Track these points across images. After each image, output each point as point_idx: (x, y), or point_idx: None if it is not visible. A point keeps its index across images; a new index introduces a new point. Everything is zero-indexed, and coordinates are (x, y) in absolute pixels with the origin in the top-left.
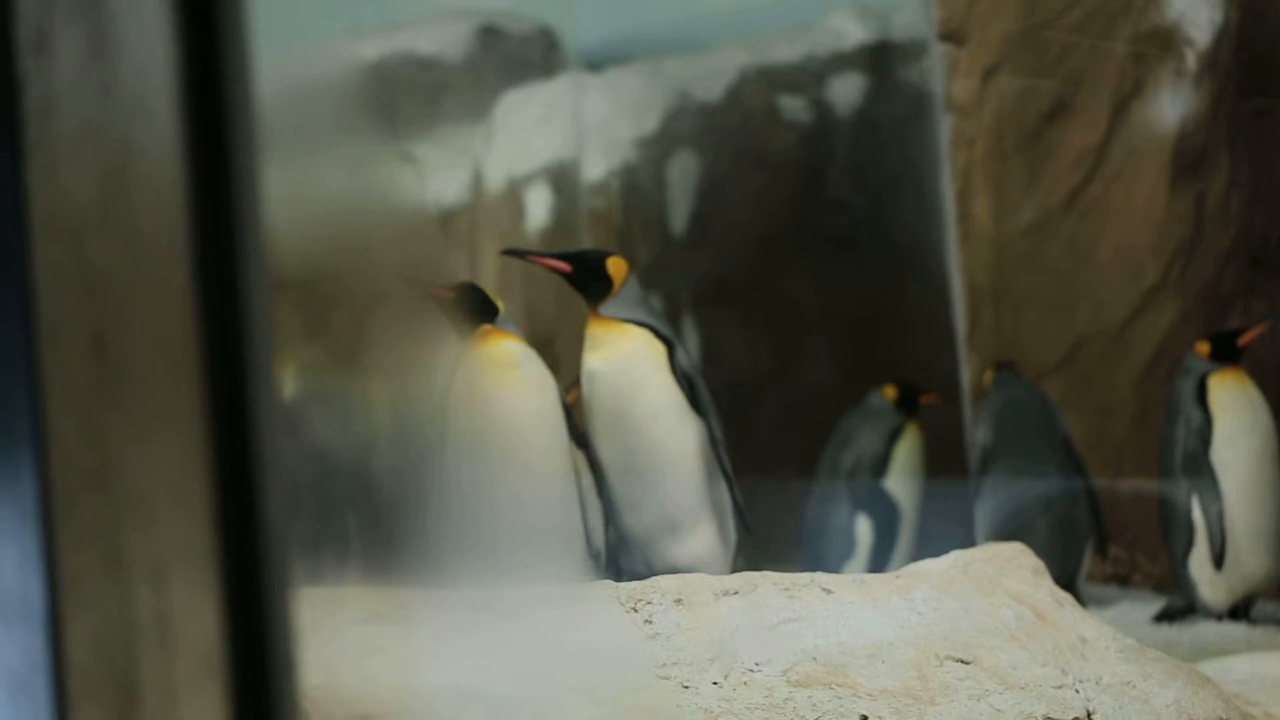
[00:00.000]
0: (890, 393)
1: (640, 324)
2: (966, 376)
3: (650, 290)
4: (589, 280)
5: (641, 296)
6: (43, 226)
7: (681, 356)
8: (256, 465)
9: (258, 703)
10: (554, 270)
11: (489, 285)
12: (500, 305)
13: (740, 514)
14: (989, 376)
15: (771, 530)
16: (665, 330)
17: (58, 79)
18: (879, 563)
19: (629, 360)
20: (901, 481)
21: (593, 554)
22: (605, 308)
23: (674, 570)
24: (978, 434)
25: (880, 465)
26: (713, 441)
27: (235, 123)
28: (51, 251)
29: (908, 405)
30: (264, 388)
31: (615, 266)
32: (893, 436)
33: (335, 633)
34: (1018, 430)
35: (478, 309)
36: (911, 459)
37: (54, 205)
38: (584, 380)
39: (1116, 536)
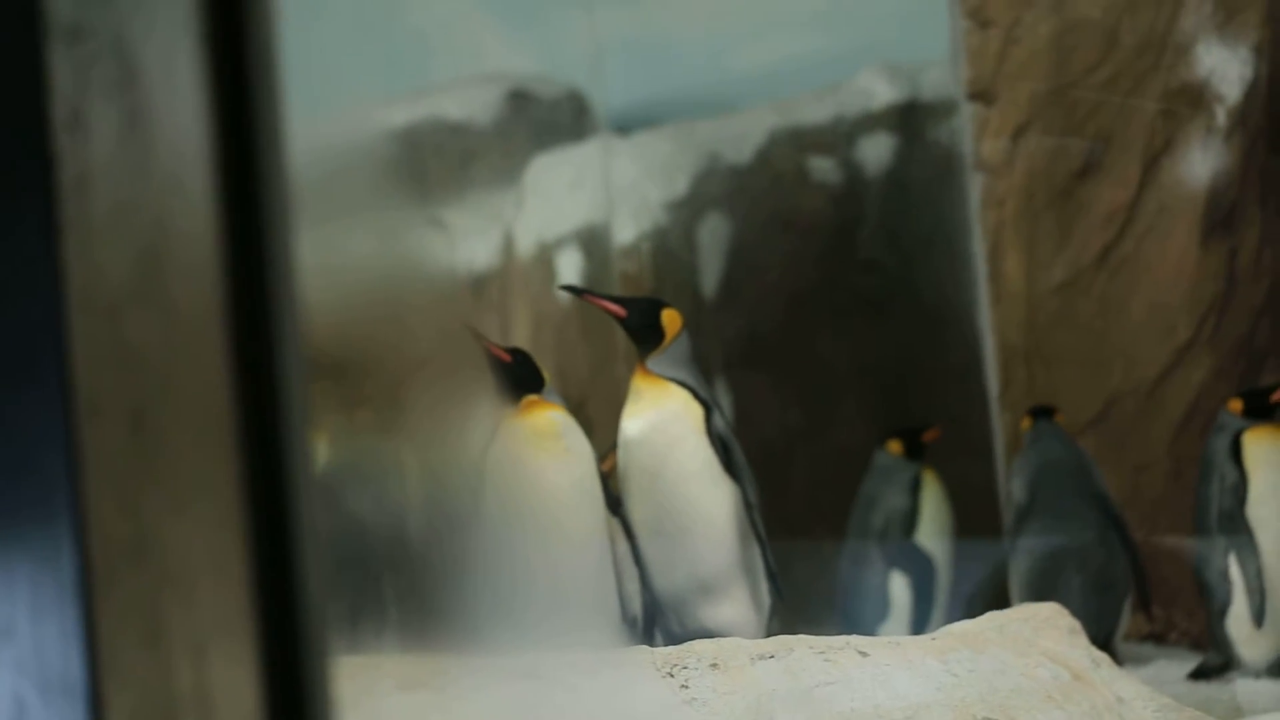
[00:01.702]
0: (895, 447)
1: (681, 384)
2: (1000, 435)
3: None
4: (641, 328)
5: (690, 354)
6: (79, 303)
7: (718, 419)
8: (293, 536)
9: None
10: (609, 313)
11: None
12: (547, 376)
13: (773, 577)
14: (1027, 424)
15: (806, 593)
16: (704, 392)
17: (93, 156)
18: (918, 620)
19: (665, 420)
20: (932, 534)
21: (629, 620)
22: (653, 361)
23: (707, 634)
24: (1013, 490)
25: (909, 521)
26: (747, 505)
27: (269, 194)
28: (88, 327)
29: (915, 453)
30: (299, 458)
31: (669, 318)
32: (913, 489)
33: (375, 700)
34: (1054, 487)
35: (527, 377)
36: (937, 509)
37: (90, 282)
38: (620, 437)
39: (1154, 594)
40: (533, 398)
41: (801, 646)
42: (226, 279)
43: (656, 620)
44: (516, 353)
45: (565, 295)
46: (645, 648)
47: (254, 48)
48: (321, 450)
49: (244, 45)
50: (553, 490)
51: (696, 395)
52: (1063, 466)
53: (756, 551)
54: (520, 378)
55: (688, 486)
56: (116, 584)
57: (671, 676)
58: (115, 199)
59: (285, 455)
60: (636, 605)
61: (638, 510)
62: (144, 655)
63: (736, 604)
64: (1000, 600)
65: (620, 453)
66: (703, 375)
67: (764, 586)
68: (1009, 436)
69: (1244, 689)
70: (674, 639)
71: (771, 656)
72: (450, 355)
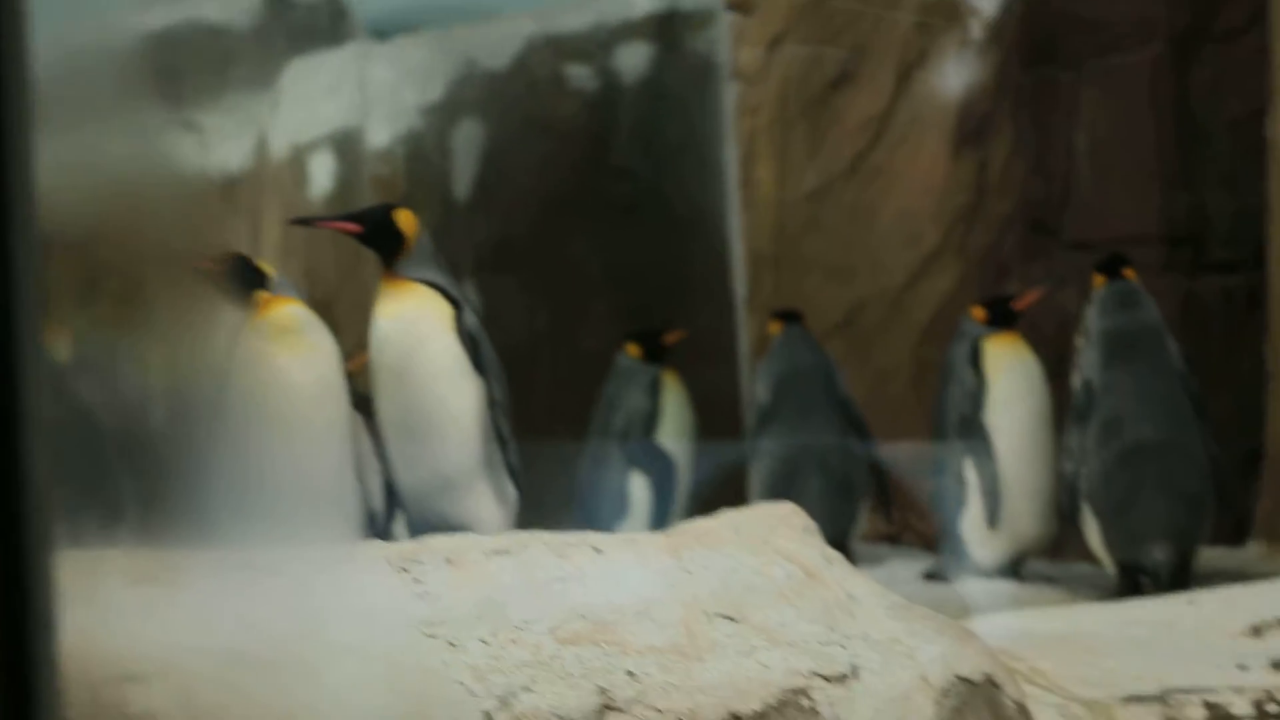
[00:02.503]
0: (634, 350)
1: (430, 284)
2: (746, 340)
3: None
4: (380, 238)
5: (434, 255)
6: None
7: (468, 317)
8: (19, 426)
9: (15, 663)
10: (345, 232)
11: (272, 251)
12: (270, 271)
13: (515, 475)
14: (774, 328)
15: (547, 494)
16: (454, 290)
17: None
18: (657, 519)
19: (414, 319)
20: (672, 435)
21: (369, 515)
22: (399, 266)
23: (451, 530)
24: (757, 393)
25: (648, 422)
26: (492, 403)
27: (6, 95)
28: None
29: (655, 355)
30: (29, 348)
31: (405, 220)
32: (653, 391)
33: (102, 594)
34: (797, 390)
35: (248, 278)
36: (678, 410)
37: None
38: (371, 338)
39: (892, 497)
40: (264, 294)
41: (536, 543)
42: None
43: (397, 516)
44: (230, 257)
45: (317, 194)
46: (379, 543)
47: None
48: (58, 344)
49: None
50: (294, 385)
51: (445, 294)
52: (807, 371)
53: (500, 449)
54: (242, 279)
55: (436, 384)
56: None
57: (405, 572)
58: None
59: (14, 345)
60: (378, 501)
61: (386, 407)
62: None
63: (480, 500)
64: (739, 501)
65: (371, 352)
66: (450, 273)
67: (508, 484)
68: (755, 341)
69: (975, 589)
70: (419, 535)
71: (506, 552)
72: (192, 255)
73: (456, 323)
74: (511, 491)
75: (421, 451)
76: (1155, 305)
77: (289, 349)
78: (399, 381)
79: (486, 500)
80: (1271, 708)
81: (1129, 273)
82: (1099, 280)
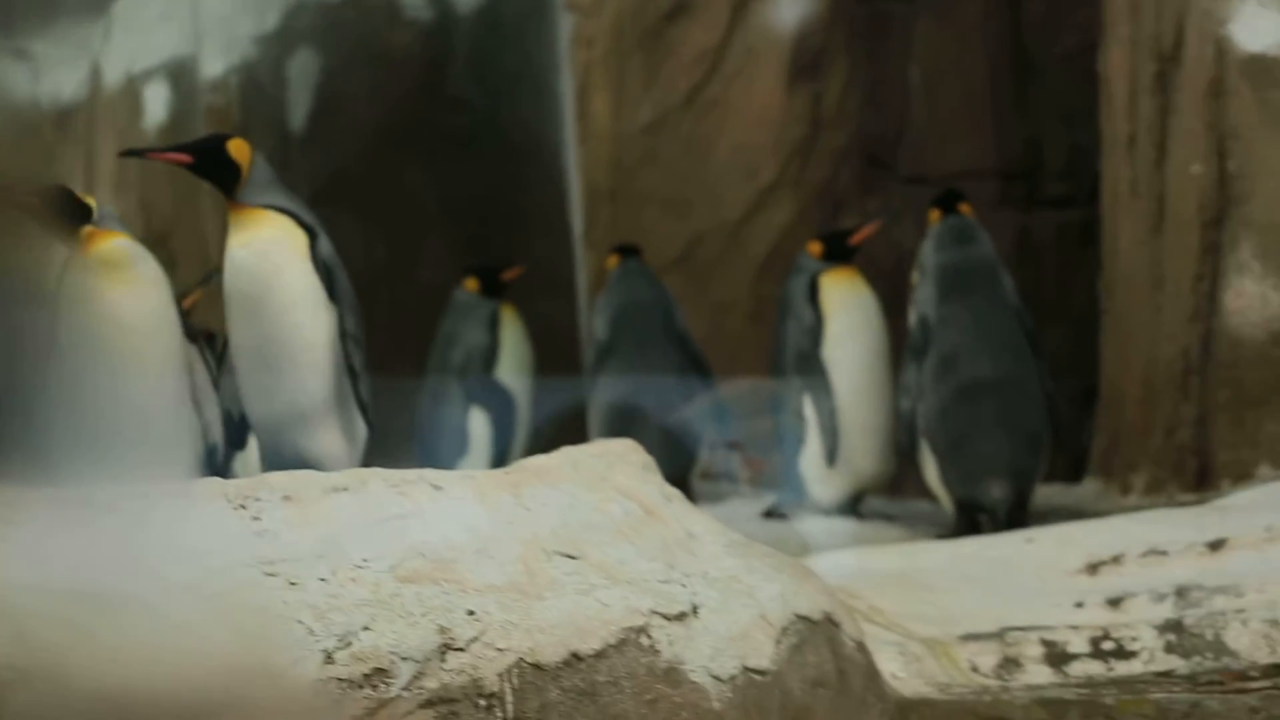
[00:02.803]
0: (472, 284)
1: (281, 210)
2: (584, 274)
3: None
4: (214, 168)
5: (276, 180)
6: None
7: (324, 245)
8: None
9: None
10: (177, 164)
11: (107, 183)
12: (93, 203)
13: (365, 411)
14: (612, 262)
15: (388, 430)
16: (307, 217)
17: None
18: (497, 456)
19: (268, 246)
20: (511, 371)
21: (208, 451)
22: (241, 194)
23: (303, 464)
24: (595, 328)
25: (487, 357)
26: (344, 335)
27: None
28: None
29: (493, 290)
30: None
31: (237, 149)
32: (491, 326)
33: None
34: (636, 326)
35: (71, 212)
36: (516, 346)
37: None
38: (225, 266)
39: (733, 432)
40: (89, 228)
41: (375, 480)
42: None
43: (246, 449)
44: (49, 190)
45: (151, 124)
46: (217, 480)
47: None
48: None
49: None
50: (124, 319)
51: (299, 221)
52: (645, 306)
53: (352, 383)
54: (64, 213)
55: (290, 313)
56: None
57: (243, 509)
58: None
59: None
60: (216, 435)
61: (239, 337)
62: None
63: (331, 434)
64: (579, 438)
65: (225, 280)
66: (300, 200)
67: (359, 419)
68: (593, 275)
69: (814, 527)
70: (273, 469)
71: (345, 489)
72: (19, 188)
73: (311, 250)
74: (362, 427)
75: (275, 382)
76: (991, 240)
77: (117, 283)
78: (253, 310)
79: (336, 435)
80: (1107, 645)
81: (965, 208)
82: (935, 215)
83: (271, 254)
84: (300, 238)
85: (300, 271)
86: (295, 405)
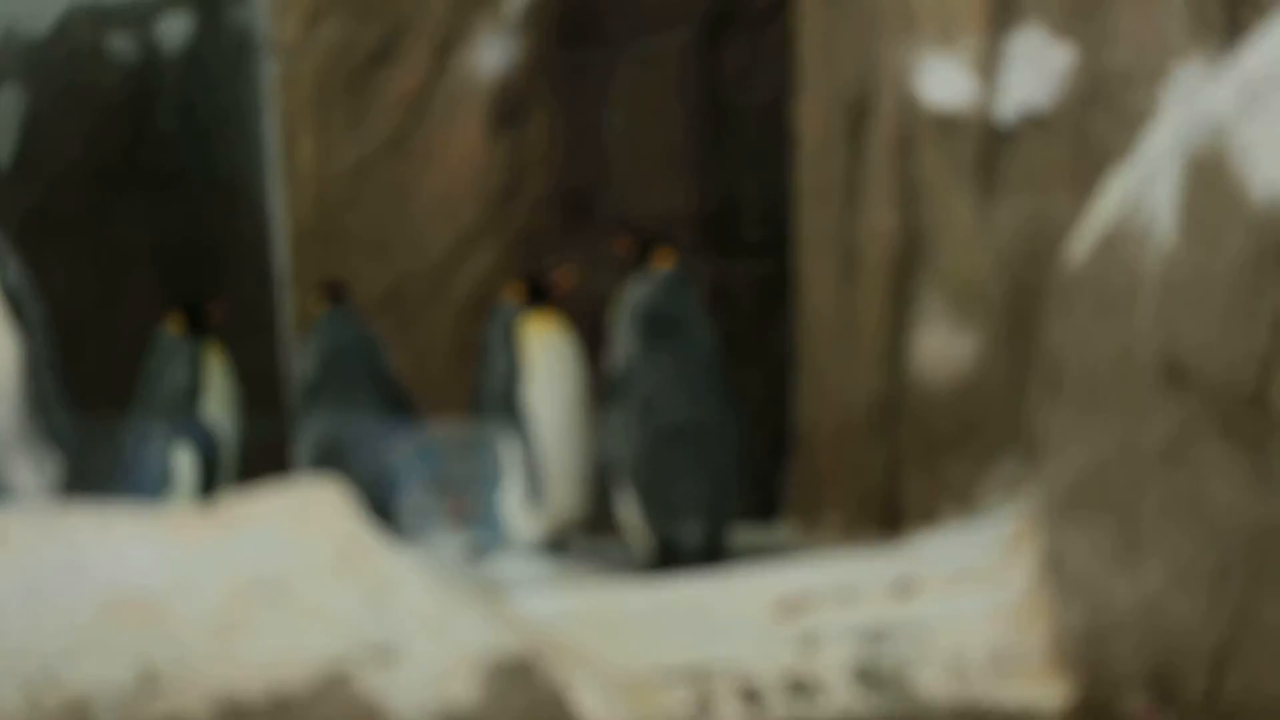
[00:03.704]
0: (175, 325)
1: None
2: (289, 315)
3: None
4: None
5: None
6: None
7: (10, 274)
8: None
9: None
10: None
11: None
12: None
13: (62, 443)
14: (317, 303)
15: (94, 467)
16: None
17: None
18: (201, 494)
19: None
20: (215, 409)
21: None
22: None
23: None
24: (302, 368)
25: (192, 396)
26: (34, 364)
27: None
28: None
29: (197, 328)
30: None
31: None
32: (194, 365)
33: None
34: (342, 366)
35: None
36: (221, 384)
37: None
38: None
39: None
40: None
41: (77, 516)
42: None
43: None
44: None
45: None
46: None
47: None
48: None
49: None
50: None
51: None
52: (351, 347)
53: (45, 415)
54: None
55: None
56: None
57: None
58: None
59: None
60: None
61: None
62: None
63: (19, 464)
64: (284, 477)
65: None
66: None
67: (52, 451)
68: (302, 315)
69: (515, 566)
70: None
71: (46, 525)
72: None
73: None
74: (57, 460)
75: None
76: (690, 286)
77: None
78: None
79: (26, 466)
80: (799, 685)
81: (666, 253)
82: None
83: None
84: None
85: None
86: None
